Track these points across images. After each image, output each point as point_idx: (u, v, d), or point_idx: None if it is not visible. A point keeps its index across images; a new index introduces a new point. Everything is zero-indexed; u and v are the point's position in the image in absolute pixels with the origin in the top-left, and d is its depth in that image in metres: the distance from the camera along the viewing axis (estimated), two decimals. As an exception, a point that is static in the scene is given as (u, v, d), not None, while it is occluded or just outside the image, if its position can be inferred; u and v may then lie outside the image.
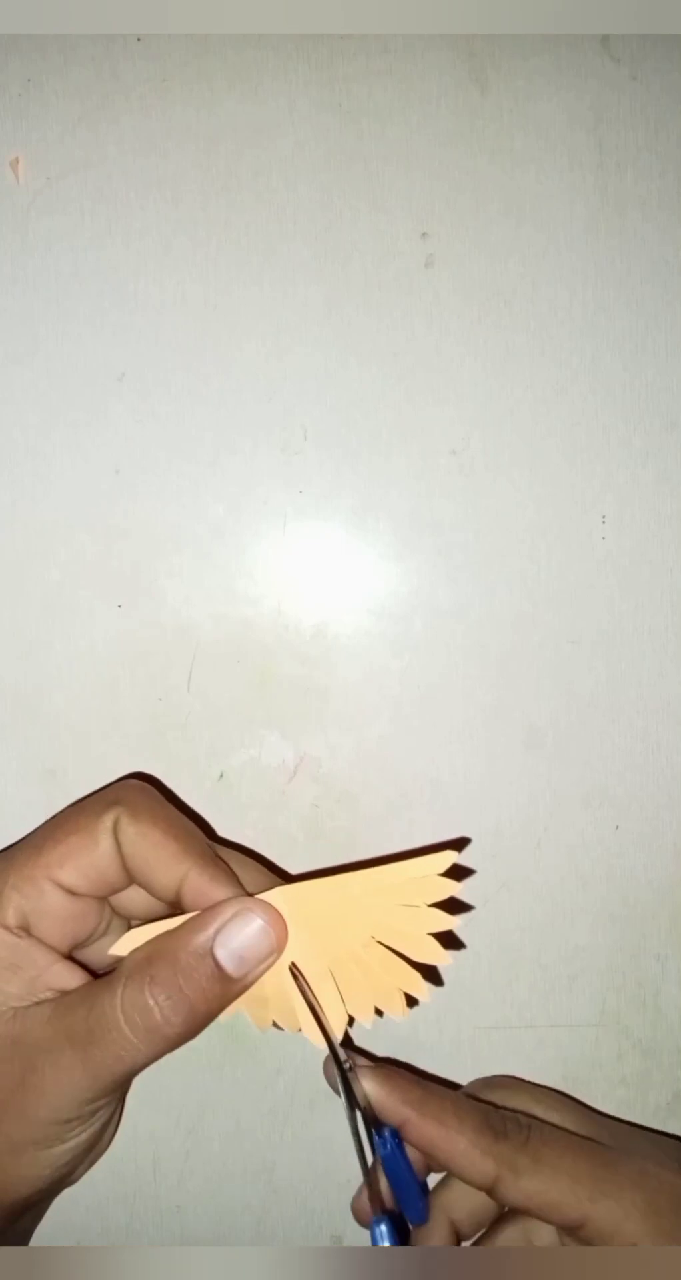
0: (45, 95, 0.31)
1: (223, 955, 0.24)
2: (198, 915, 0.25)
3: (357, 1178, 0.34)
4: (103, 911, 0.27)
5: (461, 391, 0.32)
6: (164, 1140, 0.33)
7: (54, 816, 0.27)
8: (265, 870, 0.28)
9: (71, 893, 0.26)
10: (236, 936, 0.24)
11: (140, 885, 0.26)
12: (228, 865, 0.26)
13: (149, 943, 0.25)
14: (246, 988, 0.25)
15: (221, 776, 0.32)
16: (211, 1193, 0.33)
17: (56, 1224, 0.30)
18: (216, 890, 0.25)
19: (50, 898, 0.26)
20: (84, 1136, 0.26)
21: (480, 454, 0.32)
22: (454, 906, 0.26)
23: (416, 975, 0.27)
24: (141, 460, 0.32)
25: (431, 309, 0.32)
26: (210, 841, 0.27)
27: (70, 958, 0.27)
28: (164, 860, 0.25)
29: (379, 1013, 0.27)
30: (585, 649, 0.33)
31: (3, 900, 0.26)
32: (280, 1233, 0.34)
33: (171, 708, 0.32)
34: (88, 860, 0.26)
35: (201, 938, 0.24)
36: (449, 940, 0.26)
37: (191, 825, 0.27)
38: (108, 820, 0.26)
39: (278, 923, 0.25)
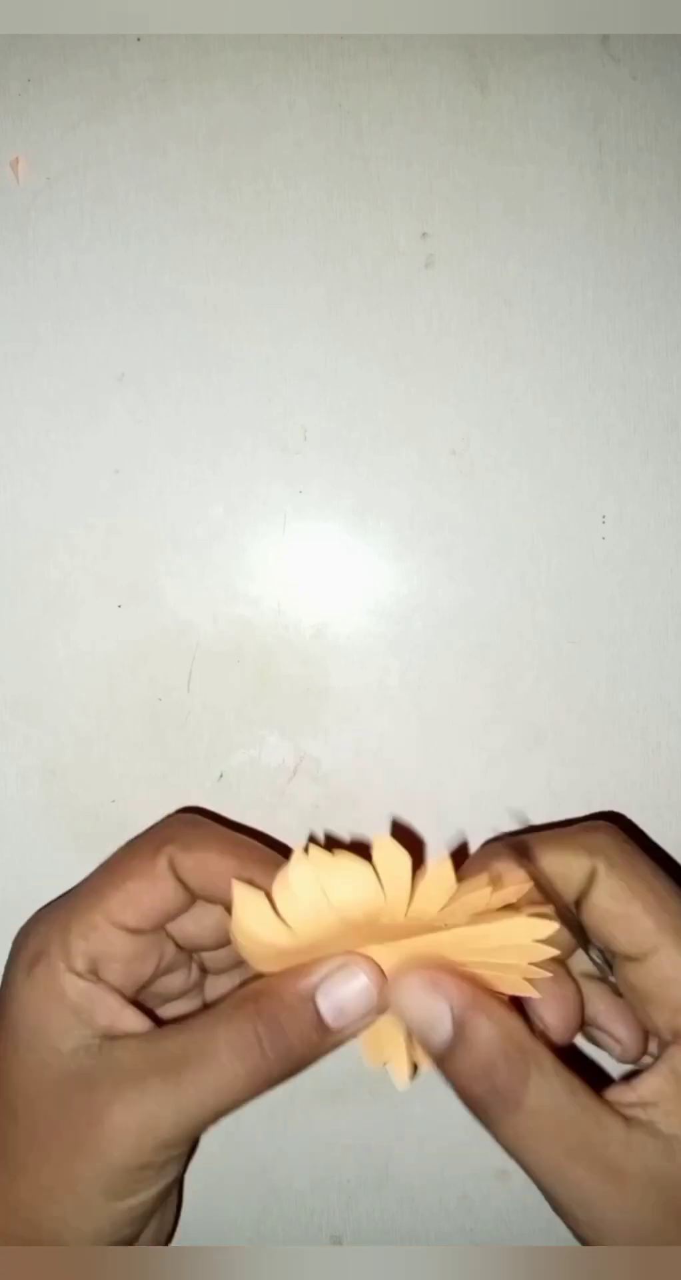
0: (45, 95, 0.31)
1: (324, 1005, 0.24)
2: (302, 965, 0.25)
3: (358, 1178, 0.34)
4: (165, 947, 0.28)
5: (461, 391, 0.32)
6: (164, 1140, 0.33)
7: (107, 861, 0.28)
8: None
9: (135, 931, 0.26)
10: (339, 989, 0.25)
11: (215, 903, 0.27)
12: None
13: (253, 982, 0.25)
14: (341, 1043, 0.25)
15: (221, 777, 0.32)
16: (211, 1193, 0.33)
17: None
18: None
19: (115, 940, 0.26)
20: (150, 1194, 0.25)
21: (480, 454, 0.32)
22: None
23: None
24: (141, 460, 0.32)
25: (431, 309, 0.32)
26: (269, 851, 0.27)
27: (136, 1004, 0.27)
28: (226, 879, 0.26)
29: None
30: (585, 649, 0.33)
31: (70, 948, 0.26)
32: (280, 1233, 0.34)
33: (171, 708, 0.32)
34: (148, 901, 0.26)
35: (306, 983, 0.25)
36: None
37: (245, 839, 0.27)
38: (162, 861, 0.26)
39: (380, 982, 0.25)
